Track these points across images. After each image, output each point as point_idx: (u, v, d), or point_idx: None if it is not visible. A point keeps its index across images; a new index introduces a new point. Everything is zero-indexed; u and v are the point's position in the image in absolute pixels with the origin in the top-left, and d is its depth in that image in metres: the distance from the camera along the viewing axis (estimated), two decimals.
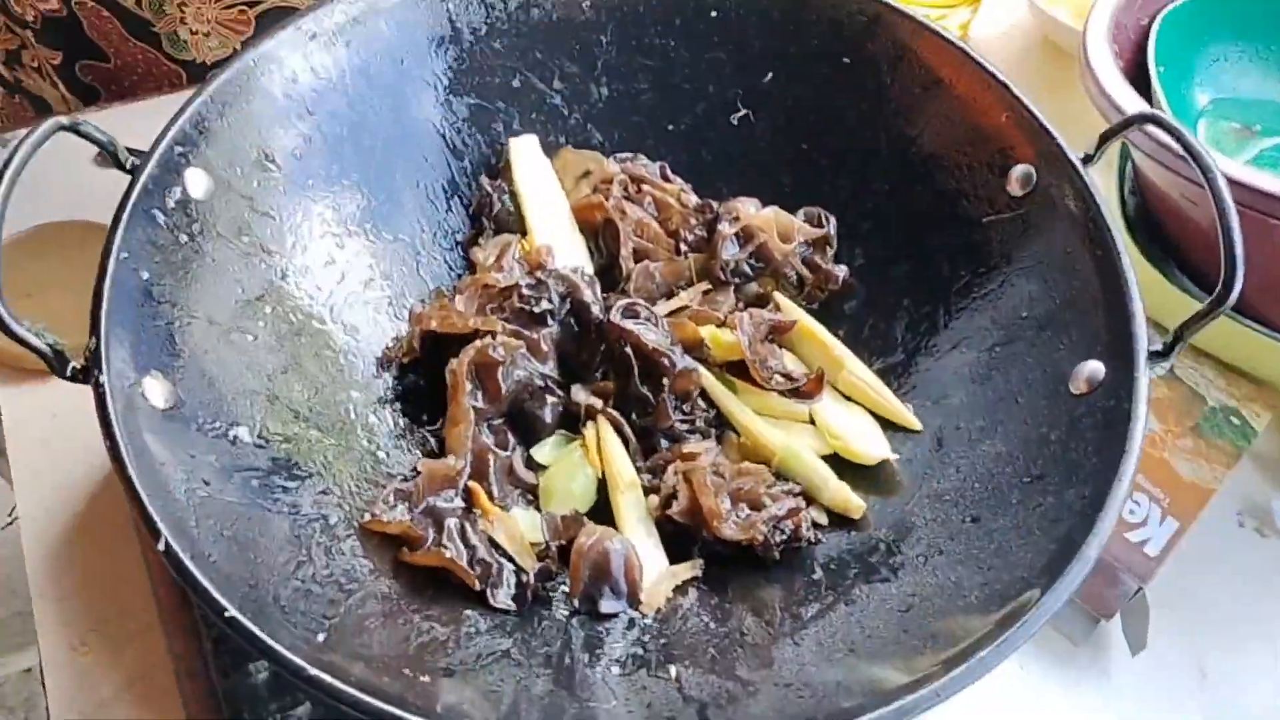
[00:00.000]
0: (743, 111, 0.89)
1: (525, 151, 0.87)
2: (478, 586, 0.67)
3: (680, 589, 0.67)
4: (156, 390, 0.65)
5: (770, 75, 0.88)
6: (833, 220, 0.85)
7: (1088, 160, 0.76)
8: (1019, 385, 0.73)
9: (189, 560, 0.57)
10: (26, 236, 0.96)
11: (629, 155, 0.88)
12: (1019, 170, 0.78)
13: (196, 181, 0.73)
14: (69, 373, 0.63)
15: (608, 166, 0.86)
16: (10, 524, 0.82)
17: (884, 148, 0.85)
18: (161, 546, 0.57)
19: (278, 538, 0.65)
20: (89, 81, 1.16)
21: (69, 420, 0.89)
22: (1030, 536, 0.64)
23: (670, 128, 0.90)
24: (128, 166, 0.71)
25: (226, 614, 0.56)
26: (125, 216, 0.68)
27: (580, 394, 0.77)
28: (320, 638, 0.59)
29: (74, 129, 0.69)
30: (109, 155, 0.71)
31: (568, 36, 0.89)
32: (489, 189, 0.86)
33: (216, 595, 0.56)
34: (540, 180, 0.86)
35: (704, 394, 0.77)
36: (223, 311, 0.72)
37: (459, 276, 0.85)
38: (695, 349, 0.78)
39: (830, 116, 0.87)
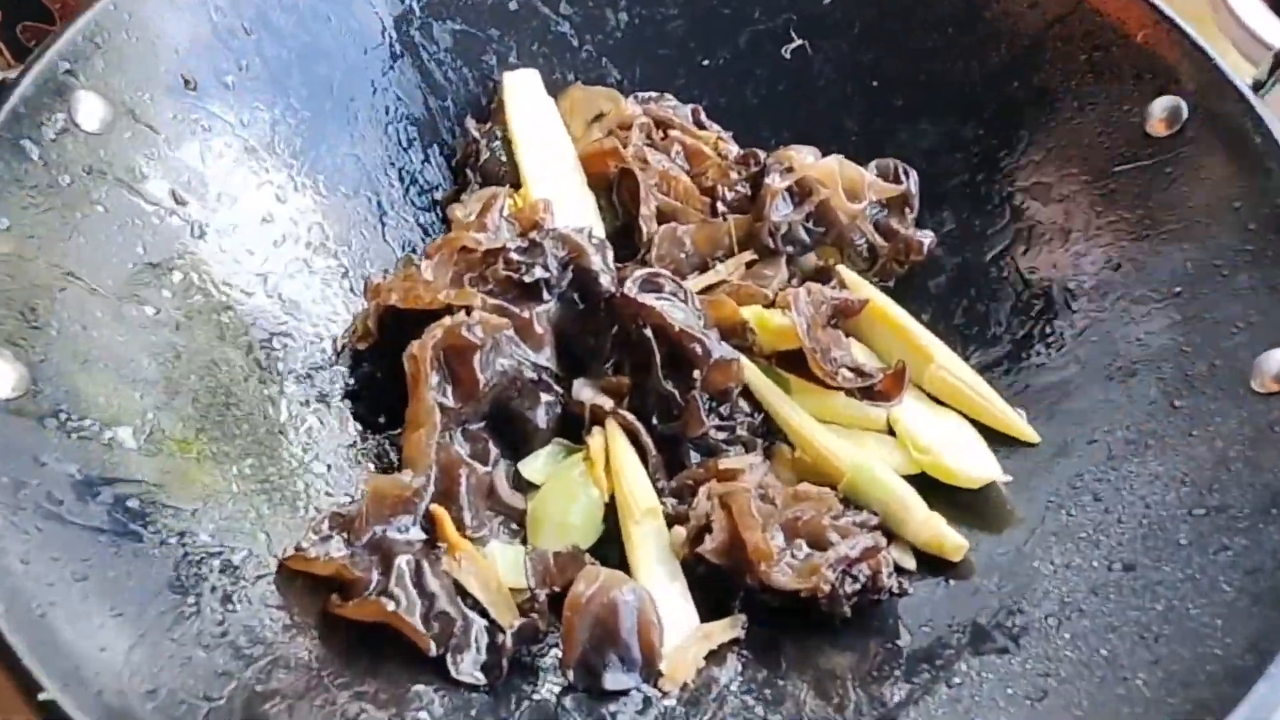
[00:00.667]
0: (797, 42, 0.71)
1: (523, 88, 0.69)
2: (433, 650, 0.49)
3: (715, 656, 0.53)
4: (3, 374, 0.48)
5: None
6: (913, 175, 0.66)
7: (1259, 88, 0.57)
8: (1178, 384, 0.55)
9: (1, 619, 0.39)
10: None
11: (653, 95, 0.70)
12: (1162, 104, 0.60)
13: (89, 108, 0.56)
14: None
15: (626, 108, 0.68)
16: None
17: (978, 82, 0.67)
18: None
19: (154, 581, 0.47)
20: (33, 46, 1.01)
21: None
22: (1216, 592, 0.45)
23: (705, 63, 0.72)
24: None
25: (42, 696, 0.38)
26: None
27: (585, 391, 0.58)
28: None
29: None
30: None
31: None
32: (476, 134, 0.69)
33: (31, 667, 0.38)
34: (541, 123, 0.68)
35: (747, 393, 0.59)
36: (113, 276, 0.55)
37: None
38: (736, 334, 0.60)
39: (908, 45, 0.69)
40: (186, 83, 0.61)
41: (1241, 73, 0.58)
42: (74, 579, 0.44)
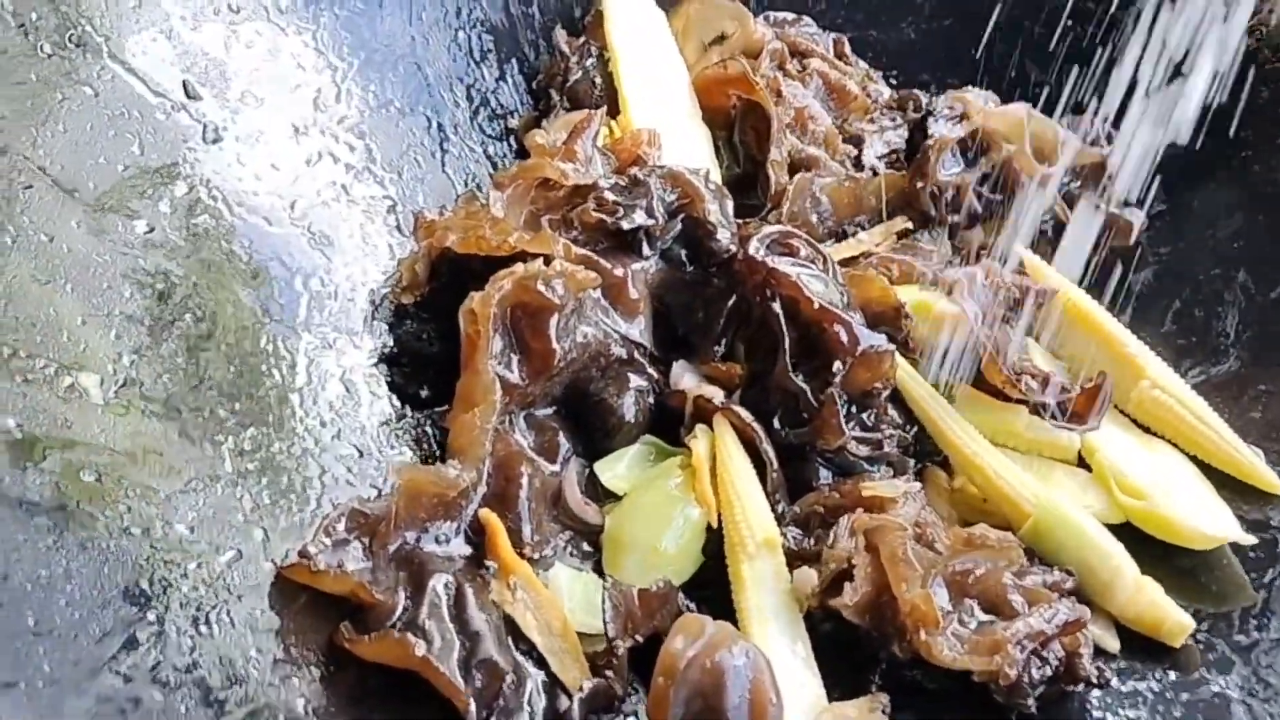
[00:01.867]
0: None
1: None
2: (474, 714, 0.35)
3: None
4: None
5: None
6: (1120, 138, 0.51)
7: None
8: None
9: None
10: None
11: (789, 17, 0.57)
12: None
13: None
14: None
15: (755, 30, 0.56)
16: None
17: (1204, 22, 0.52)
18: None
19: (103, 586, 0.34)
20: None
21: None
22: None
23: None
24: None
25: None
26: None
27: (687, 377, 0.46)
28: None
29: None
30: None
31: None
32: (566, 49, 0.56)
33: None
34: (648, 41, 0.56)
35: (898, 399, 0.45)
36: (96, 178, 0.45)
37: None
38: (887, 321, 0.47)
39: None
40: None
41: None
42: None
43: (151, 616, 0.36)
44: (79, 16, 0.44)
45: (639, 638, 0.41)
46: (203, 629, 0.37)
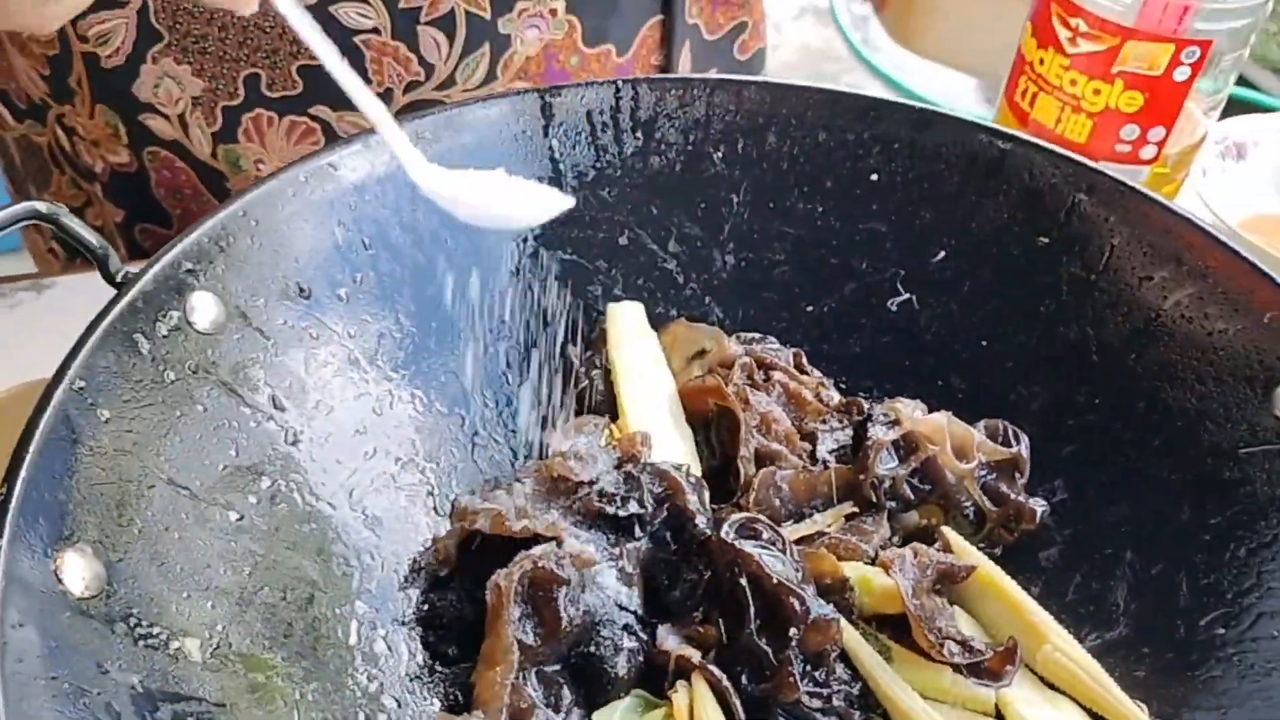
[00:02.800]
0: (905, 296, 0.71)
1: (627, 320, 0.69)
2: None
3: None
4: (78, 569, 0.47)
5: (942, 254, 0.70)
6: (1024, 439, 0.64)
7: None
8: None
9: None
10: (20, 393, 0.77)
11: (756, 336, 0.69)
12: None
13: (204, 308, 0.57)
14: None
15: (729, 347, 0.68)
16: None
17: (1093, 350, 0.65)
18: None
19: None
20: (148, 247, 1.06)
21: None
22: None
23: (810, 309, 0.72)
24: (117, 279, 0.55)
25: None
26: (96, 336, 0.52)
27: (670, 639, 0.55)
28: None
29: (53, 219, 0.53)
30: (96, 260, 0.55)
31: (691, 192, 0.72)
32: (575, 360, 0.68)
33: None
34: (642, 355, 0.68)
35: (845, 658, 0.55)
36: (203, 478, 0.54)
37: None
38: (835, 592, 0.57)
39: (1020, 307, 0.68)
40: (301, 291, 0.61)
41: None
42: None
43: None
44: (198, 351, 0.55)
45: None
46: None
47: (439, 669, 0.57)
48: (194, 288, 0.56)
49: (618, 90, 0.70)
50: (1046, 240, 0.67)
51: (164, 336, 0.55)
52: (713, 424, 0.66)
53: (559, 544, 0.55)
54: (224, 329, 0.57)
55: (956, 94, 0.68)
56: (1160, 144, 0.87)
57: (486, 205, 0.56)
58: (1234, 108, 1.03)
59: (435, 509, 0.63)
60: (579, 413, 0.66)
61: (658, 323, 0.71)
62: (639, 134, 0.71)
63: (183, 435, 0.54)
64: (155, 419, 0.53)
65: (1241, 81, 1.20)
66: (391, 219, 0.65)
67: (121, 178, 0.91)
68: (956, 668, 0.55)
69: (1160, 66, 0.81)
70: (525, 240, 0.70)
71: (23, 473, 0.46)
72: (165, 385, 0.54)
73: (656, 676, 0.55)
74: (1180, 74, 0.81)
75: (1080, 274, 0.66)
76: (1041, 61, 0.87)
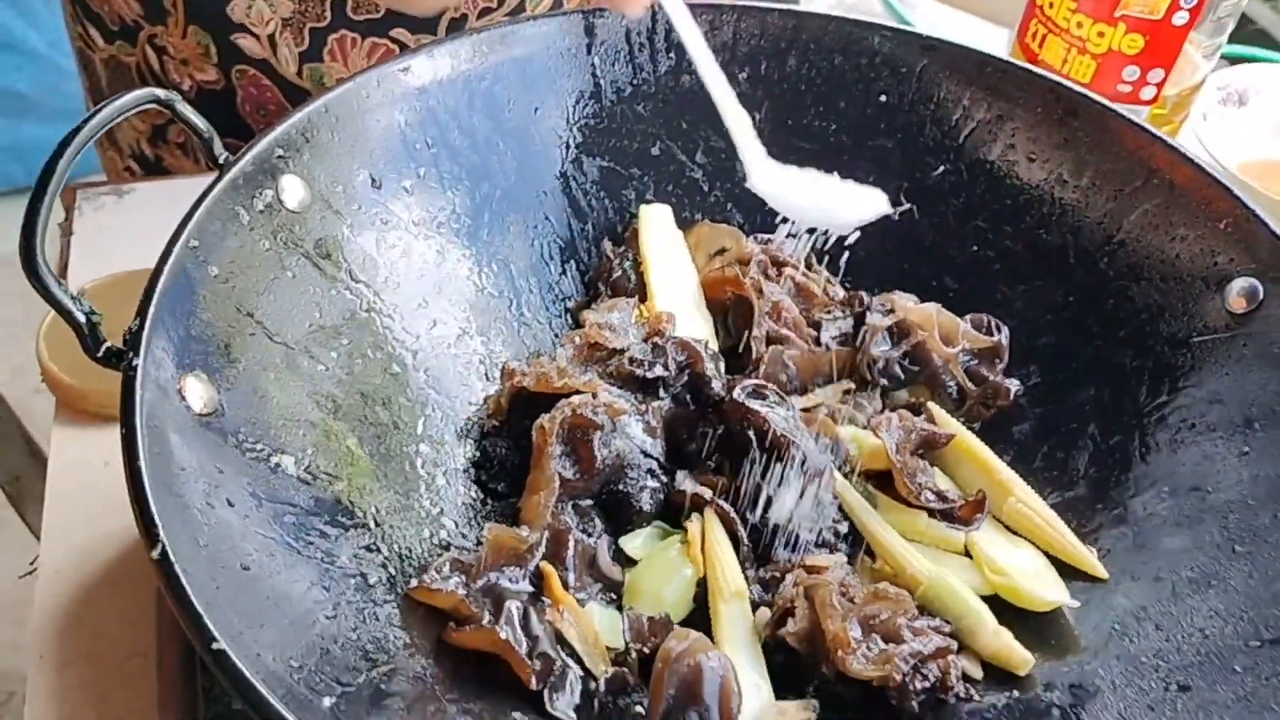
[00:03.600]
0: (906, 206, 0.79)
1: (656, 219, 0.78)
2: (534, 684, 0.54)
3: None
4: (198, 392, 0.56)
5: (942, 169, 0.78)
6: (1005, 330, 0.72)
7: None
8: (1240, 532, 0.58)
9: (184, 576, 0.46)
10: (113, 281, 0.86)
11: (772, 237, 0.78)
12: (1240, 284, 0.65)
13: (292, 189, 0.65)
14: (101, 352, 0.54)
15: (746, 245, 0.76)
16: (30, 573, 0.71)
17: (1071, 254, 0.73)
18: (156, 553, 0.46)
19: (302, 584, 0.53)
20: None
21: (118, 471, 0.79)
22: (1267, 711, 0.49)
23: None
24: (221, 160, 0.63)
25: (215, 645, 0.44)
26: (206, 205, 0.61)
27: (687, 482, 0.64)
28: (326, 702, 0.46)
29: (169, 104, 0.62)
30: (203, 143, 0.63)
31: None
32: (611, 254, 0.77)
33: (208, 621, 0.44)
34: (669, 250, 0.76)
35: (837, 502, 0.64)
36: (294, 331, 0.63)
37: None
38: (832, 449, 0.65)
39: (1008, 217, 0.76)
40: (374, 181, 0.70)
41: None
42: (240, 567, 0.50)
43: (329, 608, 0.53)
44: (287, 227, 0.63)
45: (646, 649, 0.58)
46: (361, 620, 0.54)
47: (490, 503, 0.67)
48: (284, 171, 0.65)
49: (654, 14, 0.78)
50: (1034, 158, 0.75)
51: (260, 211, 0.63)
52: (730, 310, 0.74)
53: (594, 396, 0.64)
54: (309, 209, 0.66)
55: (988, 45, 0.76)
56: (1159, 85, 0.94)
57: (813, 204, 0.65)
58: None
59: (487, 375, 0.72)
60: (612, 297, 0.75)
61: (684, 225, 0.79)
62: (672, 54, 0.79)
63: (276, 295, 0.63)
64: (253, 279, 0.62)
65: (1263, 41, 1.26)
66: (451, 123, 0.74)
67: (208, 95, 0.98)
68: (932, 513, 0.64)
69: (1160, 11, 0.89)
70: (568, 148, 0.79)
71: (151, 308, 0.55)
72: (261, 252, 0.63)
73: (675, 512, 0.65)
74: (1179, 18, 0.89)
75: (1064, 188, 0.74)
76: (1051, 5, 0.95)
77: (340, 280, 0.67)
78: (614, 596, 0.62)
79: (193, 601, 0.45)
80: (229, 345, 0.59)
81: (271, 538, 0.53)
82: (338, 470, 0.61)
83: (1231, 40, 0.99)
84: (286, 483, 0.58)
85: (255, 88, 0.98)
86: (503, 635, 0.54)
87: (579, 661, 0.56)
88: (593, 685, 0.55)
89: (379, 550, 0.59)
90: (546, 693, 0.54)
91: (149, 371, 0.53)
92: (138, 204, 0.95)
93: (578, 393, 0.64)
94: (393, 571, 0.58)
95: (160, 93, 0.62)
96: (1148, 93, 0.96)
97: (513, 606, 0.57)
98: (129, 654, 0.68)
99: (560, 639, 0.57)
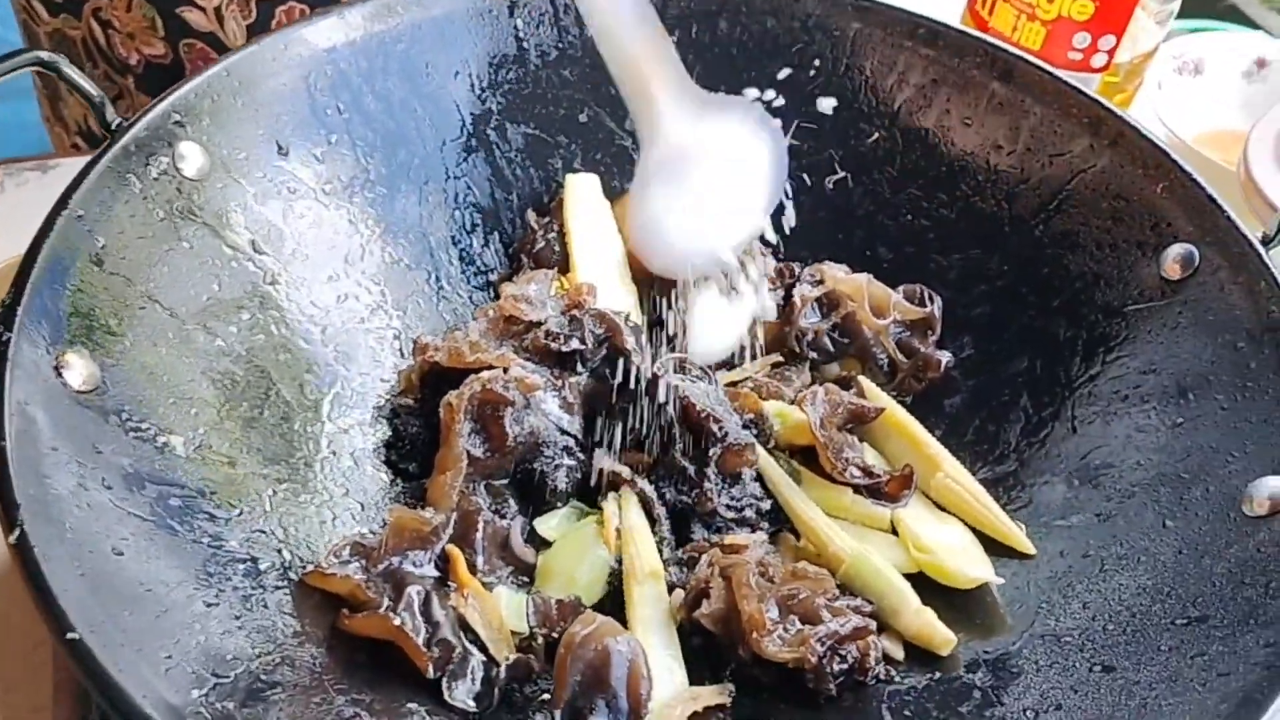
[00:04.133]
0: (840, 175, 0.76)
1: (583, 189, 0.75)
2: (431, 672, 0.51)
3: (700, 717, 0.50)
4: (78, 368, 0.53)
5: (876, 136, 0.75)
6: (938, 301, 0.70)
7: (1267, 241, 0.61)
8: (1171, 506, 0.57)
9: (43, 561, 0.43)
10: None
11: None
12: (1176, 250, 0.63)
13: (190, 156, 0.62)
14: None
15: None
16: None
17: (1006, 223, 0.71)
18: (13, 538, 0.43)
19: (182, 570, 0.50)
20: None
21: None
22: (1189, 693, 0.47)
23: None
24: (113, 126, 0.60)
25: (70, 635, 0.41)
26: (94, 174, 0.58)
27: (605, 460, 0.62)
28: (194, 694, 0.43)
29: (54, 67, 0.59)
30: (94, 109, 0.60)
31: None
32: (535, 225, 0.74)
33: (64, 608, 0.42)
34: (595, 220, 0.73)
35: (760, 479, 0.61)
36: (189, 305, 0.60)
37: None
38: (755, 424, 0.63)
39: (943, 185, 0.74)
40: (280, 148, 0.67)
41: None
42: (112, 552, 0.47)
43: (213, 593, 0.51)
44: (184, 196, 0.60)
45: (554, 634, 0.55)
46: (247, 607, 0.52)
47: (400, 484, 0.64)
48: (181, 138, 0.62)
49: None
50: (970, 123, 0.73)
51: (154, 179, 0.60)
52: (656, 284, 0.72)
53: (506, 371, 0.61)
54: (209, 177, 0.63)
55: (940, 14, 0.74)
56: (1110, 52, 0.92)
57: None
58: None
59: (401, 351, 0.69)
60: (535, 269, 0.72)
61: (612, 195, 0.77)
62: None
63: (170, 267, 0.60)
64: (146, 250, 0.59)
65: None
66: (364, 87, 0.71)
67: (156, 69, 0.95)
68: (858, 489, 0.62)
69: None
70: (491, 114, 0.76)
71: (30, 280, 0.52)
72: (155, 222, 0.60)
73: (592, 492, 0.62)
74: None
75: (999, 153, 0.72)
76: None
77: (242, 251, 0.64)
78: (526, 580, 0.59)
79: (49, 588, 0.42)
80: (115, 318, 0.56)
81: (151, 521, 0.50)
82: (232, 451, 0.58)
83: (1190, 11, 0.97)
84: (174, 463, 0.55)
85: (203, 61, 0.95)
86: (396, 621, 0.51)
87: (482, 649, 0.53)
88: (494, 672, 0.52)
89: (274, 534, 0.56)
90: (445, 681, 0.52)
91: (21, 347, 0.50)
92: (62, 180, 0.91)
93: (490, 368, 0.61)
94: (288, 556, 0.55)
95: (44, 55, 0.59)
96: (1099, 60, 0.93)
97: (414, 591, 0.54)
98: (36, 643, 0.65)
99: (464, 624, 0.54)
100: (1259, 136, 0.84)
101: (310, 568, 0.55)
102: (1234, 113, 1.06)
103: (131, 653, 0.43)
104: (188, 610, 0.48)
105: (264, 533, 0.56)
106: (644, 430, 0.63)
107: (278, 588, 0.53)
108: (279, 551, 0.55)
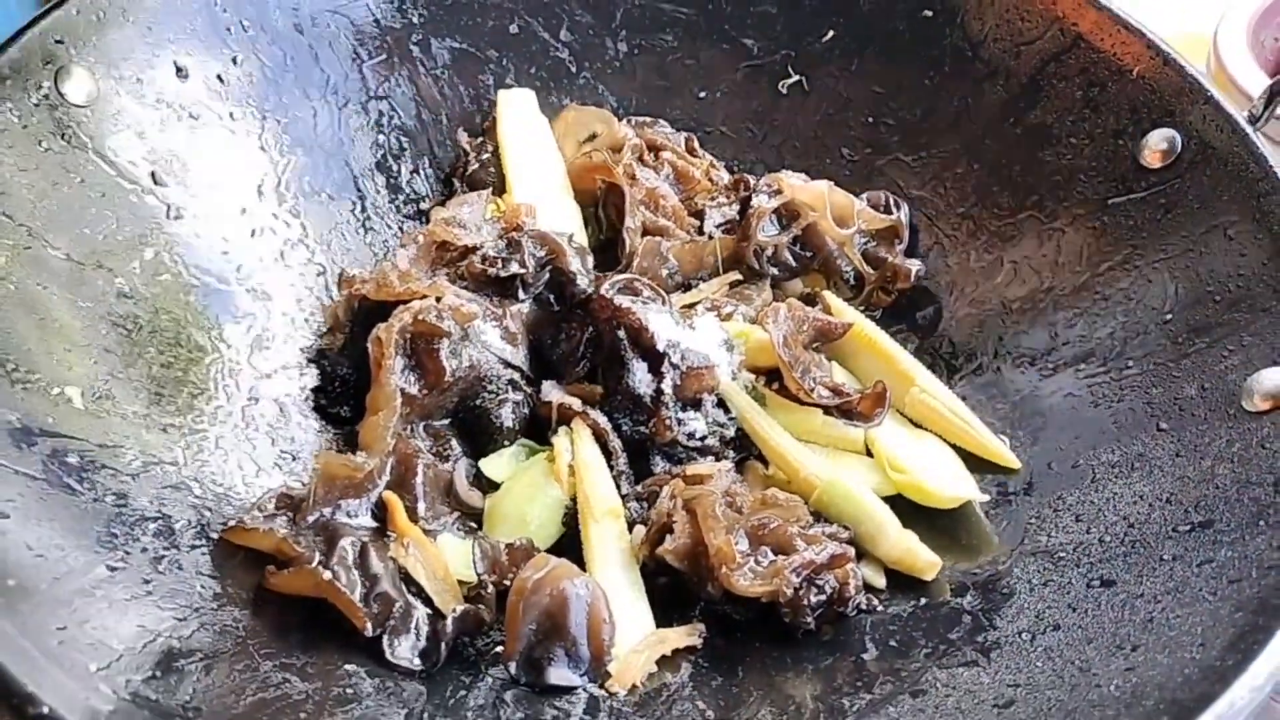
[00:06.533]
0: (794, 78, 0.71)
1: (517, 106, 0.69)
2: (370, 630, 0.46)
3: (669, 661, 0.48)
4: None
5: (830, 34, 0.71)
6: (904, 207, 0.65)
7: (1254, 121, 0.56)
8: (1165, 407, 0.53)
9: None
10: None
11: (647, 120, 0.70)
12: (1158, 135, 0.59)
13: (78, 81, 0.57)
14: None
15: (619, 130, 0.68)
16: None
17: (974, 119, 0.66)
18: None
19: (82, 532, 0.45)
20: None
21: None
22: (1198, 603, 0.43)
23: (702, 94, 0.72)
24: None
25: None
26: None
27: (554, 392, 0.57)
28: (93, 667, 0.38)
29: None
30: None
31: None
32: (467, 147, 0.68)
33: None
34: (532, 139, 0.68)
35: (723, 403, 0.57)
36: (83, 245, 0.55)
37: None
38: (716, 346, 0.58)
39: (904, 82, 0.69)
40: (179, 71, 0.61)
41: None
42: None
43: (116, 557, 0.46)
44: (71, 123, 0.55)
45: (506, 581, 0.51)
46: (157, 569, 0.46)
47: (330, 430, 0.59)
48: (63, 60, 0.56)
49: None
50: (930, 13, 0.68)
51: (34, 106, 0.54)
52: (601, 201, 0.66)
53: (439, 300, 0.56)
54: (97, 103, 0.57)
55: None
56: None
57: None
58: None
59: (327, 288, 0.64)
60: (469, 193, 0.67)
61: (550, 112, 0.71)
62: None
63: (59, 203, 0.54)
64: (28, 184, 0.53)
65: None
66: (270, 1, 0.64)
67: None
68: (828, 410, 0.57)
69: None
70: (413, 26, 0.70)
71: None
72: (37, 154, 0.54)
73: (541, 427, 0.57)
74: None
75: (961, 44, 0.67)
76: None
77: (141, 184, 0.58)
78: (473, 525, 0.54)
79: None
80: None
81: (44, 480, 0.45)
82: (139, 401, 0.52)
83: None
84: (71, 416, 0.49)
85: None
86: (326, 576, 0.46)
87: (428, 601, 0.49)
88: (440, 625, 0.48)
89: (189, 490, 0.51)
90: (386, 638, 0.47)
91: None
92: None
93: (422, 297, 0.56)
94: (207, 514, 0.50)
95: None
96: None
97: (348, 544, 0.49)
98: None
99: (405, 576, 0.49)
100: (1227, 29, 0.80)
101: (232, 524, 0.49)
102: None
103: (13, 628, 0.37)
104: (86, 576, 0.43)
105: (177, 488, 0.50)
106: (594, 359, 0.58)
107: (194, 547, 0.48)
108: (195, 509, 0.50)
